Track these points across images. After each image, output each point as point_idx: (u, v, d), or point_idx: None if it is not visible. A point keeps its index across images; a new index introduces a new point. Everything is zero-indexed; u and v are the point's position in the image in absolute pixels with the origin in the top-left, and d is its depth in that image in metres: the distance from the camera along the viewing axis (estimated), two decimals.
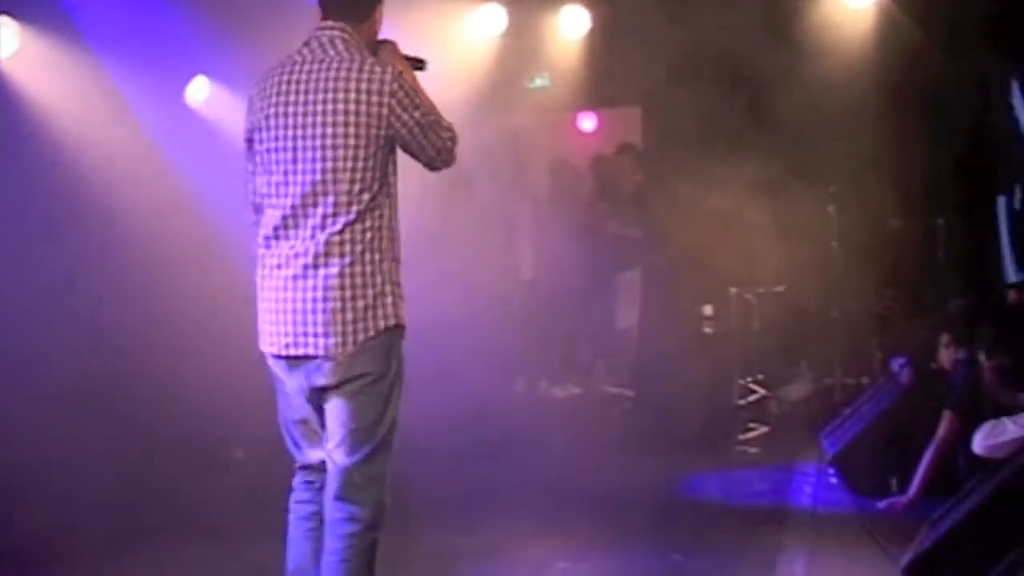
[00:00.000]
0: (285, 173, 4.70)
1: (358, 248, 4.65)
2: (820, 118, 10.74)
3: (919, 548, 5.84)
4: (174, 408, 9.00)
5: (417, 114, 4.70)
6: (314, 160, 4.65)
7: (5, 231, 8.63)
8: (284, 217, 4.70)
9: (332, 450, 4.73)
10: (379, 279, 4.69)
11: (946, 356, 7.79)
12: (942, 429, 7.11)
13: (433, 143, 4.77)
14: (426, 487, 7.41)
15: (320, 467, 4.82)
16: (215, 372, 8.88)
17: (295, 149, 4.68)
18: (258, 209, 4.83)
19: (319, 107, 4.67)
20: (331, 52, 4.76)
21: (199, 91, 10.62)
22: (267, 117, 4.76)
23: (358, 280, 4.66)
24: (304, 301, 4.67)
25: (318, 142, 4.66)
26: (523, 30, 11.59)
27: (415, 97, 4.71)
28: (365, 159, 4.65)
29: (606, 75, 11.84)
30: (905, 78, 10.89)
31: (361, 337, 4.66)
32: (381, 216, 4.72)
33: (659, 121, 11.85)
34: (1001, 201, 10.97)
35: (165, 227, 9.44)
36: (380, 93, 4.64)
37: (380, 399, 4.74)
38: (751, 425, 10.43)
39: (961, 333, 7.88)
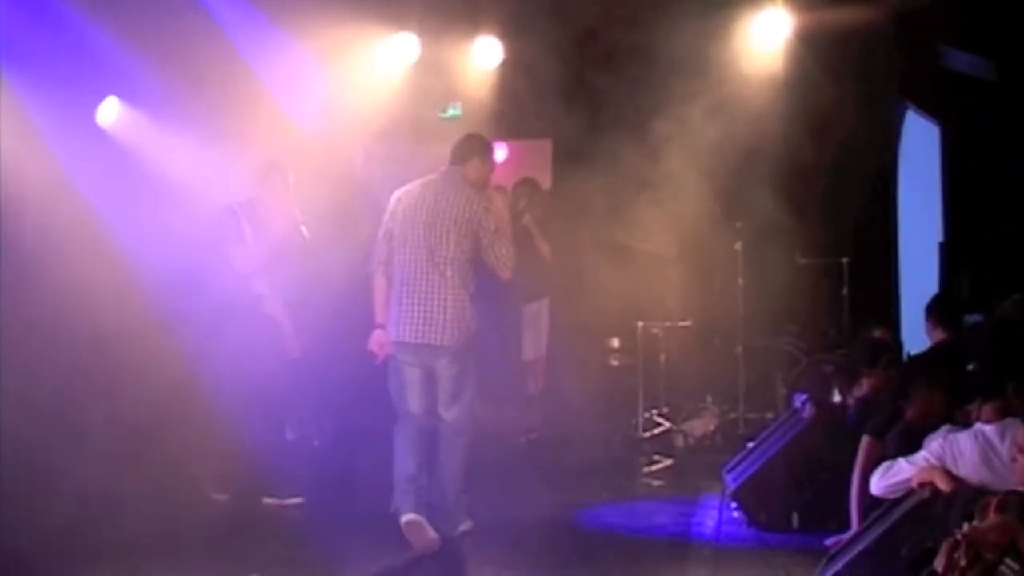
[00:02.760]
0: None
1: None
2: (730, 154, 10.85)
3: None
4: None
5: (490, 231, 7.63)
6: None
7: None
8: None
9: None
10: None
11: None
12: (861, 454, 7.16)
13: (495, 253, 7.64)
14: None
15: None
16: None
17: None
18: None
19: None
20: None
21: (109, 112, 10.55)
22: None
23: None
24: None
25: None
26: (436, 60, 11.61)
27: (493, 220, 7.67)
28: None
29: (518, 106, 11.87)
30: (813, 120, 11.02)
31: None
32: None
33: (569, 154, 11.92)
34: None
35: (71, 245, 9.35)
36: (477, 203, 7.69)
37: None
38: (655, 457, 10.45)
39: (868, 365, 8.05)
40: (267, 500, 8.43)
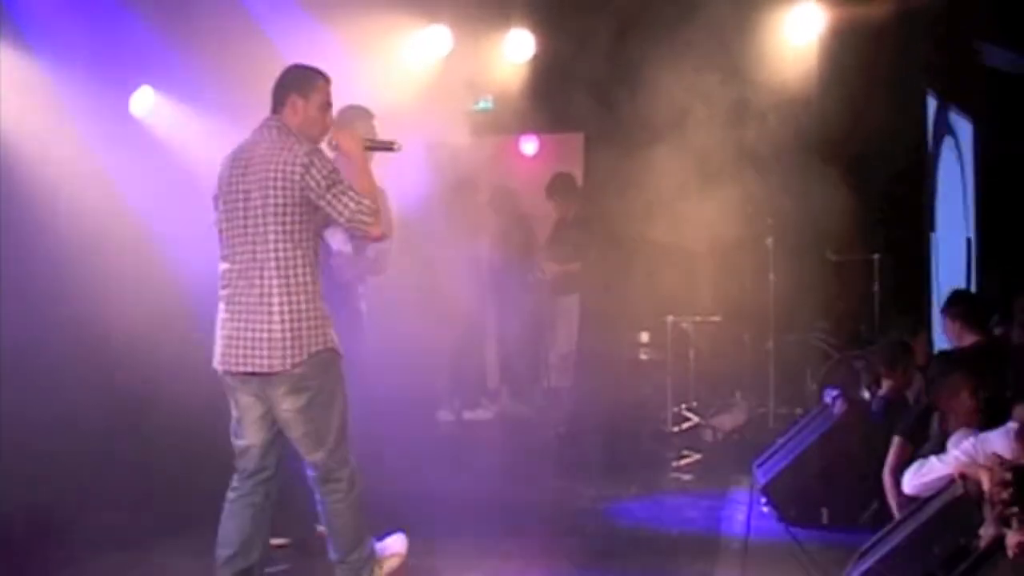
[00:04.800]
0: None
1: None
2: (762, 150, 10.83)
3: None
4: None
5: (320, 188, 5.82)
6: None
7: None
8: None
9: None
10: None
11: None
12: (892, 455, 7.15)
13: (340, 211, 5.82)
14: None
15: None
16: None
17: None
18: None
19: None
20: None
21: (144, 102, 10.57)
22: None
23: None
24: None
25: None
26: (468, 52, 11.61)
27: (321, 171, 5.83)
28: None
29: (549, 100, 11.87)
30: (847, 113, 10.99)
31: None
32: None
33: (600, 147, 11.91)
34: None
35: (105, 236, 9.38)
36: (287, 163, 5.83)
37: None
38: (684, 452, 10.45)
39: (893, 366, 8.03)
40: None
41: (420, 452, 9.21)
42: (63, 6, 9.48)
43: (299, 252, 5.84)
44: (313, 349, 5.84)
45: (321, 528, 7.26)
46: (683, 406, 11.20)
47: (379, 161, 6.70)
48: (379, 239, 6.15)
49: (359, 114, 7.42)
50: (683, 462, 10.28)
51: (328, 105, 6.17)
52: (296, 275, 5.83)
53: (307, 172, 5.75)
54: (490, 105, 12.24)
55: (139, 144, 10.13)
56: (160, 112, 10.54)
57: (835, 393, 8.64)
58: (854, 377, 9.51)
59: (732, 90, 10.94)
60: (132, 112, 10.55)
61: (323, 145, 6.12)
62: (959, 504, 5.74)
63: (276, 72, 6.06)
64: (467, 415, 12.03)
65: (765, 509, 8.24)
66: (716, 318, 11.30)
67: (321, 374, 5.90)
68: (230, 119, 7.79)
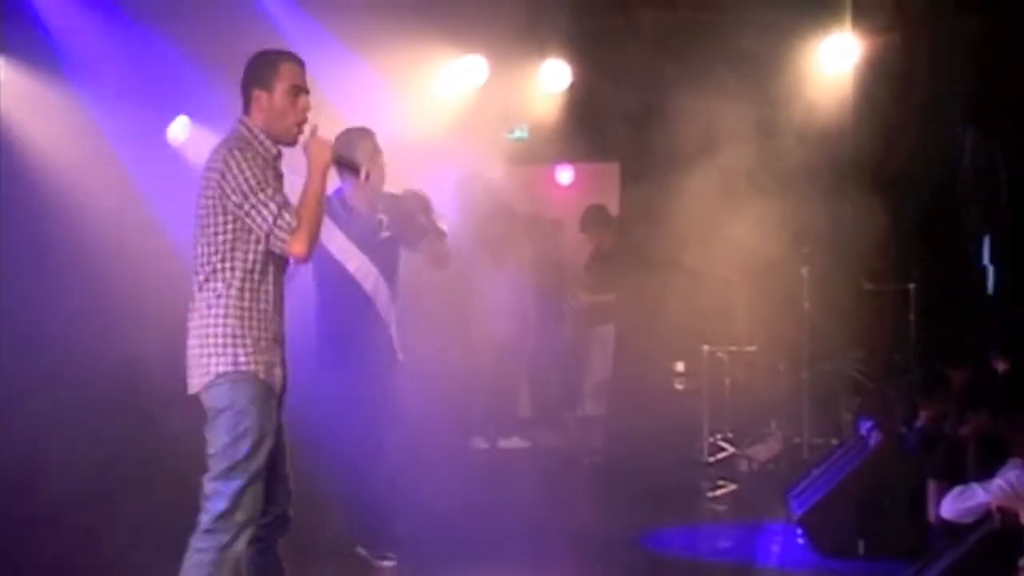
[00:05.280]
0: None
1: None
2: (796, 179, 10.83)
3: None
4: None
5: (237, 196, 5.29)
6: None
7: None
8: None
9: None
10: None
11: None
12: (932, 499, 7.11)
13: (259, 224, 5.31)
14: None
15: None
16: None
17: None
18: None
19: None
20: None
21: (180, 131, 10.64)
22: None
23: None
24: None
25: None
26: (504, 82, 11.64)
27: (238, 178, 5.28)
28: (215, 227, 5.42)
29: (585, 129, 11.89)
30: (881, 142, 10.99)
31: None
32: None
33: (636, 177, 11.93)
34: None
35: (140, 264, 9.44)
36: (212, 169, 5.35)
37: None
38: (720, 482, 10.43)
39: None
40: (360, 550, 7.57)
41: (454, 480, 9.22)
42: (101, 38, 9.57)
43: (226, 265, 5.36)
44: (220, 369, 5.33)
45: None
46: (718, 436, 11.18)
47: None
48: (299, 258, 5.41)
49: (361, 134, 7.39)
50: (718, 492, 10.27)
51: (299, 88, 5.48)
52: (218, 289, 5.35)
53: (223, 178, 5.28)
54: (525, 135, 12.27)
55: (176, 172, 10.19)
56: (197, 140, 10.61)
57: (870, 424, 8.62)
58: (889, 408, 9.49)
59: (767, 119, 10.95)
60: (169, 140, 10.63)
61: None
62: (998, 536, 5.72)
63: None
64: (502, 443, 12.04)
65: (801, 540, 8.22)
66: (751, 347, 11.27)
67: (223, 397, 5.32)
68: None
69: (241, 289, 5.40)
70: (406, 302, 7.72)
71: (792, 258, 11.11)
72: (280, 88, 5.45)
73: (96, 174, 9.46)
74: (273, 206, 5.28)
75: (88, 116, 9.61)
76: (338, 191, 7.36)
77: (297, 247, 5.34)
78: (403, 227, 7.47)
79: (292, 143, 5.53)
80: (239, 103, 5.50)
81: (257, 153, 5.38)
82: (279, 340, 5.53)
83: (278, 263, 5.47)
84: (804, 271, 11.17)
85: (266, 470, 5.35)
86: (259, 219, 5.28)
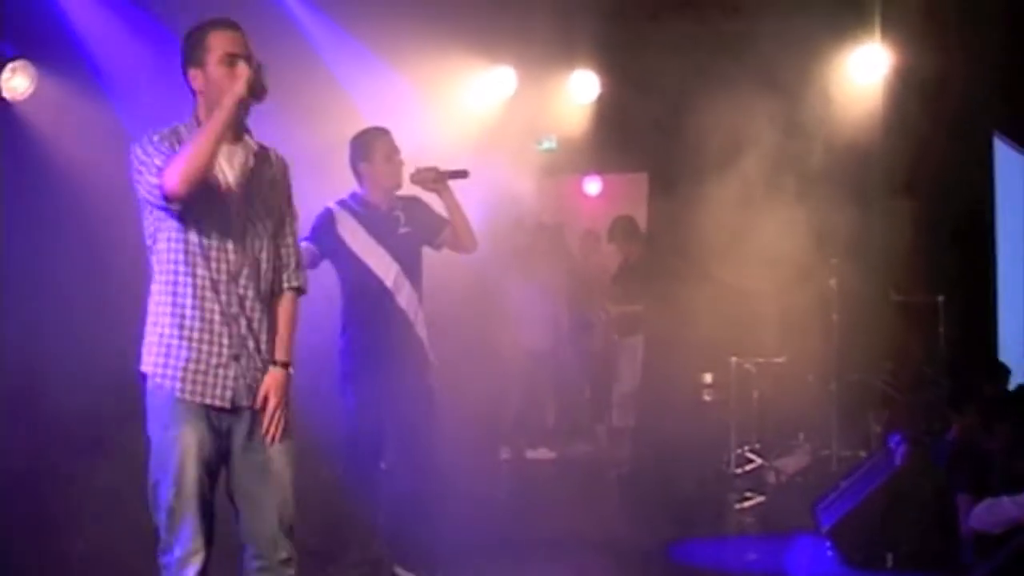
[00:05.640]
0: None
1: None
2: (825, 190, 10.81)
3: None
4: None
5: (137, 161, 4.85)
6: None
7: (17, 273, 8.69)
8: None
9: None
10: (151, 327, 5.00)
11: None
12: (963, 514, 7.11)
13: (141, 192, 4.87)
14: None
15: None
16: None
17: None
18: None
19: None
20: None
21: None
22: None
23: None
24: None
25: None
26: (532, 93, 11.66)
27: (134, 160, 4.87)
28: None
29: (613, 140, 11.91)
30: (911, 153, 10.97)
31: None
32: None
33: (664, 187, 11.93)
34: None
35: None
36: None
37: None
38: (747, 494, 10.41)
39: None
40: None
41: (481, 491, 9.23)
42: (131, 45, 9.61)
43: (153, 258, 4.97)
44: (140, 367, 4.98)
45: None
46: (746, 447, 11.16)
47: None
48: (168, 193, 4.72)
49: (376, 133, 7.43)
50: (746, 504, 10.25)
51: (229, 56, 4.91)
52: (152, 284, 4.96)
53: (133, 159, 4.90)
54: (554, 146, 12.28)
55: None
56: None
57: (899, 437, 8.60)
58: (919, 420, 9.47)
59: (796, 130, 10.94)
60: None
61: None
62: None
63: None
64: (529, 454, 12.05)
65: (829, 553, 8.20)
66: (780, 359, 11.26)
67: (147, 401, 4.97)
68: (304, 165, 7.82)
69: (166, 285, 4.93)
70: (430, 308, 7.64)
71: (821, 269, 11.10)
72: (212, 61, 4.93)
73: (127, 184, 9.49)
74: (149, 162, 4.82)
75: (119, 125, 9.65)
76: (354, 193, 7.39)
77: (165, 176, 4.73)
78: (421, 223, 7.42)
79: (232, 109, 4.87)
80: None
81: (176, 134, 4.93)
82: (220, 342, 4.93)
83: (214, 251, 4.90)
84: (833, 282, 11.15)
85: (198, 500, 4.84)
86: (139, 182, 4.86)
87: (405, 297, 7.26)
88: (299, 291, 5.21)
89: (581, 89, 11.87)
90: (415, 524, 7.19)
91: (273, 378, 5.04)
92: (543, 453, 12.13)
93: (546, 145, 12.32)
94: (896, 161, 11.09)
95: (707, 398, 11.67)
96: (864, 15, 11.27)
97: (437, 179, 7.30)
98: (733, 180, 10.64)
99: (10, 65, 9.59)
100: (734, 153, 10.79)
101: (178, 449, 4.84)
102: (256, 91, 4.87)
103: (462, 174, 7.26)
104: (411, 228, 7.34)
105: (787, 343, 11.30)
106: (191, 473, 4.83)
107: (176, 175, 4.72)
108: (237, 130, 5.02)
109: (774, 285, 11.16)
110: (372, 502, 7.24)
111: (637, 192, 13.08)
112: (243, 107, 4.90)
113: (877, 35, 11.32)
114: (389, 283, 7.20)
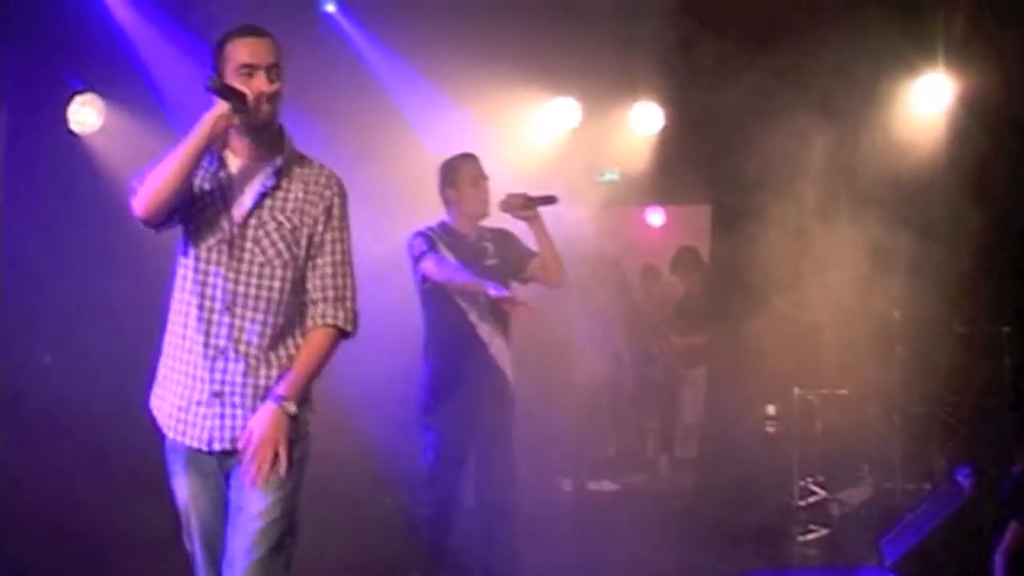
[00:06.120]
0: None
1: None
2: (889, 222, 10.78)
3: None
4: None
5: None
6: None
7: (88, 305, 8.80)
8: None
9: None
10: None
11: None
12: (1008, 537, 7.09)
13: None
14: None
15: None
16: None
17: None
18: None
19: None
20: None
21: None
22: None
23: None
24: None
25: None
26: (595, 125, 11.71)
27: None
28: None
29: (676, 172, 11.93)
30: (975, 183, 10.92)
31: None
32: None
33: (728, 219, 11.93)
34: None
35: None
36: None
37: None
38: (811, 526, 10.36)
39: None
40: None
41: (542, 522, 9.24)
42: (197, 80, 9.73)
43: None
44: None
45: None
46: (809, 479, 11.11)
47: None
48: (138, 216, 4.55)
49: (463, 158, 7.36)
50: (809, 536, 10.20)
51: (251, 67, 4.58)
52: None
53: None
54: (616, 178, 12.32)
55: None
56: None
57: (965, 470, 8.55)
58: (983, 453, 9.40)
59: (858, 162, 10.92)
60: None
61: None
62: None
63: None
64: (592, 486, 12.04)
65: None
66: (843, 390, 11.21)
67: None
68: (374, 207, 7.83)
69: (177, 314, 4.71)
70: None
71: (883, 300, 11.06)
72: (228, 71, 4.60)
73: None
74: (136, 180, 4.60)
75: None
76: (442, 221, 7.31)
77: (135, 198, 4.52)
78: (509, 256, 7.28)
79: (265, 123, 4.64)
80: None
81: None
82: (203, 377, 4.60)
83: (210, 277, 4.60)
84: (896, 314, 11.11)
85: (202, 543, 4.68)
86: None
87: (488, 331, 7.12)
88: (335, 329, 4.71)
89: (644, 121, 11.91)
90: (497, 562, 7.14)
91: (262, 412, 4.55)
92: (606, 485, 12.12)
93: (608, 177, 12.35)
94: (959, 191, 11.03)
95: (770, 429, 11.64)
96: (926, 45, 11.24)
97: (526, 205, 7.15)
98: (795, 211, 10.63)
99: (79, 98, 9.75)
100: (796, 184, 10.77)
101: (178, 496, 4.70)
102: (250, 108, 4.54)
103: (551, 200, 7.12)
104: (498, 260, 7.21)
105: (850, 374, 11.25)
106: (193, 520, 4.66)
107: (141, 198, 4.50)
108: (259, 147, 4.69)
109: (837, 316, 11.13)
110: (442, 536, 7.20)
111: (699, 223, 13.08)
112: (244, 125, 4.59)
113: (940, 64, 11.30)
114: (473, 315, 7.08)
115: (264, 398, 4.57)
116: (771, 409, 11.61)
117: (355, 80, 10.40)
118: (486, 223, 7.38)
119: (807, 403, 11.22)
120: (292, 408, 4.56)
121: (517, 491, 7.19)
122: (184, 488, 4.65)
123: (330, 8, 10.84)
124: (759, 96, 10.96)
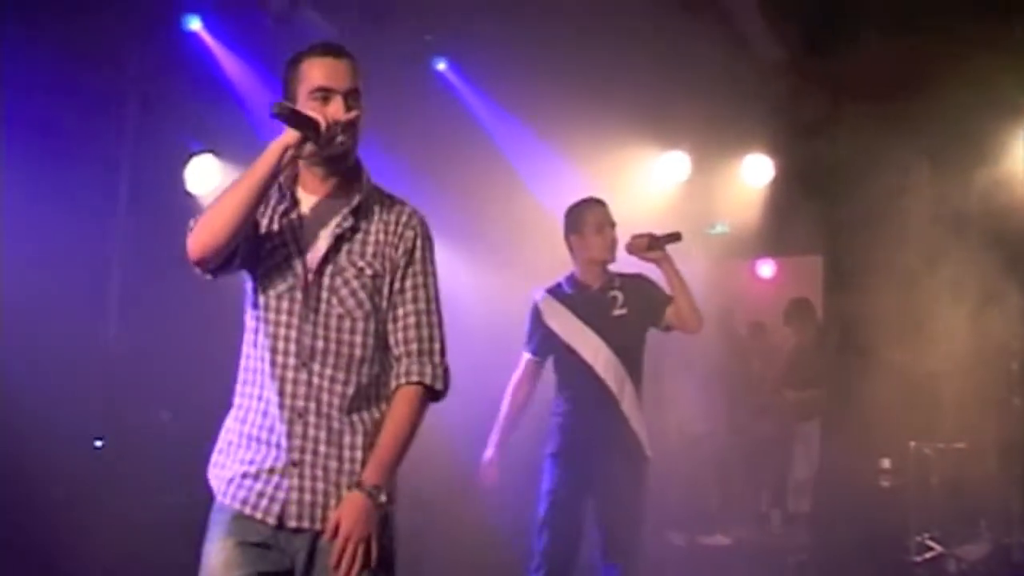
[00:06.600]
0: None
1: None
2: (1002, 270, 10.67)
3: None
4: None
5: None
6: None
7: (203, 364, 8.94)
8: None
9: None
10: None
11: None
12: None
13: None
14: None
15: None
16: None
17: None
18: None
19: None
20: None
21: None
22: None
23: None
24: None
25: None
26: (706, 177, 11.72)
27: None
28: None
29: (786, 223, 11.88)
30: None
31: None
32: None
33: (840, 270, 11.86)
34: None
35: None
36: None
37: None
38: None
39: None
40: None
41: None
42: None
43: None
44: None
45: None
46: (926, 535, 10.96)
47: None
48: (192, 259, 4.07)
49: (589, 203, 7.27)
50: None
51: (328, 91, 4.12)
52: None
53: None
54: (726, 230, 12.31)
55: None
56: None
57: None
58: None
59: (972, 210, 10.82)
60: None
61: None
62: None
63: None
64: (703, 540, 11.97)
65: None
66: (960, 444, 11.06)
67: None
68: (478, 255, 7.87)
69: (243, 381, 4.28)
70: None
71: (1001, 352, 10.92)
72: (302, 93, 4.14)
73: None
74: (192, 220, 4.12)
75: None
76: (569, 274, 7.22)
77: (189, 240, 4.04)
78: (642, 304, 7.08)
79: (340, 155, 4.18)
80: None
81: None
82: (279, 443, 4.09)
83: (282, 328, 4.11)
84: (1014, 365, 10.97)
85: None
86: None
87: (616, 381, 6.91)
88: (422, 388, 4.17)
89: (754, 173, 11.89)
90: None
91: (350, 505, 4.00)
92: (718, 539, 12.04)
93: (719, 229, 12.35)
94: None
95: (885, 484, 11.49)
96: None
97: (652, 245, 6.99)
98: (907, 261, 10.55)
99: (196, 159, 9.91)
100: (907, 234, 10.70)
101: (206, 561, 4.09)
102: (323, 138, 4.05)
103: (676, 237, 6.91)
104: (628, 309, 7.03)
105: (967, 427, 11.11)
106: None
107: (196, 237, 4.03)
108: (334, 183, 4.24)
109: (953, 368, 11.01)
110: None
111: (810, 275, 13.00)
112: (316, 158, 4.15)
113: None
114: (599, 368, 6.90)
115: (347, 472, 4.08)
116: (886, 463, 11.46)
117: (467, 137, 10.50)
118: (625, 269, 7.25)
119: (923, 457, 11.08)
120: (383, 498, 4.03)
121: (641, 553, 7.07)
122: (220, 554, 4.05)
123: (441, 66, 10.96)
124: (869, 147, 10.91)
